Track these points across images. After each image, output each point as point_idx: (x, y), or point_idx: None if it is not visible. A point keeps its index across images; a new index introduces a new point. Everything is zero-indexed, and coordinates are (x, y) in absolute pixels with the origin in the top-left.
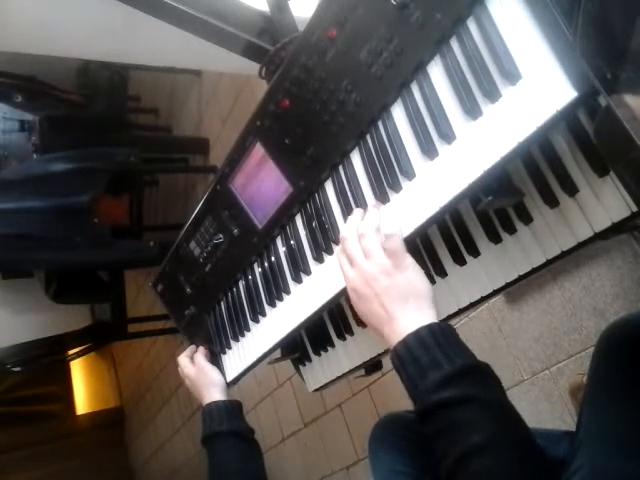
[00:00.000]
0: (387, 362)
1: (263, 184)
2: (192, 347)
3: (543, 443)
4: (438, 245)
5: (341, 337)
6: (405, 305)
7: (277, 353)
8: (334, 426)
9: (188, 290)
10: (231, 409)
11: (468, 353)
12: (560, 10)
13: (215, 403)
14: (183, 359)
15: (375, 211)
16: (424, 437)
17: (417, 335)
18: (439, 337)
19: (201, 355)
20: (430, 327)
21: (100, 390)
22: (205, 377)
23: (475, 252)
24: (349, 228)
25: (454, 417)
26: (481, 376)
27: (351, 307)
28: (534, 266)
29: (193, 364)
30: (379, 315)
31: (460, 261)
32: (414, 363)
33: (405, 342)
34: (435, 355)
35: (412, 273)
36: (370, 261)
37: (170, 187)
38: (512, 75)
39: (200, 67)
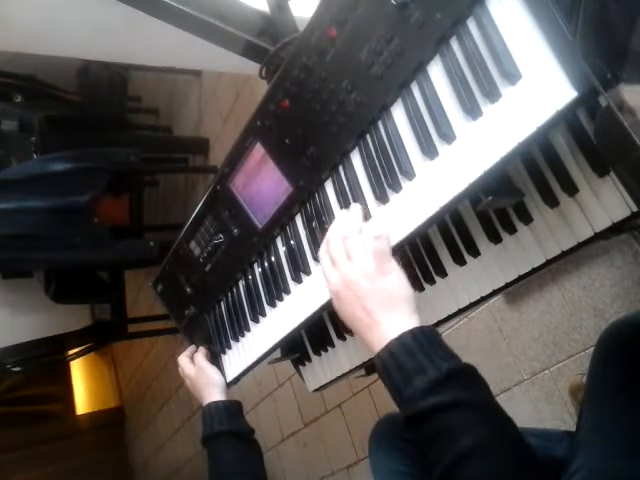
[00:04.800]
0: None
1: (263, 184)
2: (192, 347)
3: (543, 443)
4: (438, 245)
5: (341, 337)
6: (387, 310)
7: (277, 353)
8: (334, 426)
9: (188, 290)
10: (231, 409)
11: (453, 356)
12: (560, 10)
13: (215, 403)
14: (183, 359)
15: (357, 211)
16: (411, 442)
17: (400, 340)
18: (422, 342)
19: (201, 355)
20: (413, 332)
21: (100, 390)
22: (205, 377)
23: (475, 252)
24: (334, 230)
25: (443, 422)
26: (467, 379)
27: None
28: (534, 266)
29: (193, 364)
30: (361, 320)
31: (460, 261)
32: (398, 369)
33: (388, 348)
34: (419, 360)
35: (394, 278)
36: (352, 263)
37: (170, 187)
38: (512, 75)
39: (200, 67)
